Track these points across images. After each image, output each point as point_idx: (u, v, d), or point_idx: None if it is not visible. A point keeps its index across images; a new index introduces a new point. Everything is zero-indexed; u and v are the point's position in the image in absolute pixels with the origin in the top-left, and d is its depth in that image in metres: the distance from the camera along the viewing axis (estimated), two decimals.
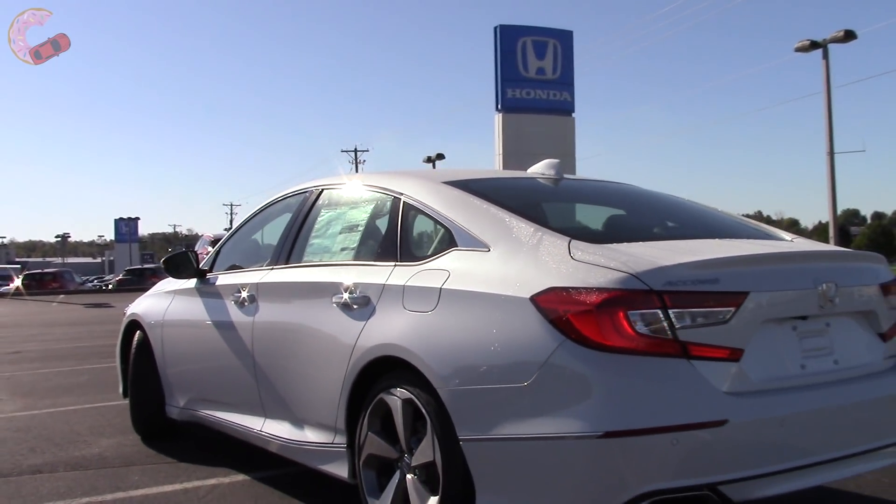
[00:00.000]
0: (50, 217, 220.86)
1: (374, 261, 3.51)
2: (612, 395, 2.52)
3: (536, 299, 2.67)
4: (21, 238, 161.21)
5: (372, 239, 3.71)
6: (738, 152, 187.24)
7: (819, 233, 31.02)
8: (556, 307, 2.63)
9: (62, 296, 30.06)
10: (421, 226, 3.50)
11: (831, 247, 3.55)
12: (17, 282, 34.95)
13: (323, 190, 4.22)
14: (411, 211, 3.49)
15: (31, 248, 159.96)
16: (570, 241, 2.84)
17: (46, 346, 11.64)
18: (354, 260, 3.67)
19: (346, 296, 3.42)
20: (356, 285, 3.41)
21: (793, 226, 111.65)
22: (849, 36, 27.05)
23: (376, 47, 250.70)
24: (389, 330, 3.15)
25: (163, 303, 5.12)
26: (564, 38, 30.40)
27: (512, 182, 3.95)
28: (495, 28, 29.53)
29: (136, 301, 5.70)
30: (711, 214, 3.76)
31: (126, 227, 76.31)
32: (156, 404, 5.08)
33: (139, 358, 5.21)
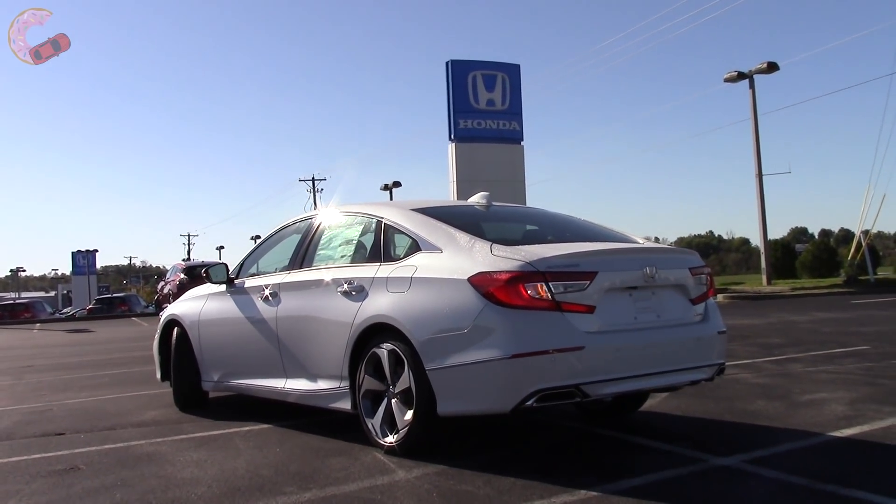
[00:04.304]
0: (0, 252, 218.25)
1: (366, 262, 5.23)
2: (515, 333, 4.24)
3: (471, 280, 4.40)
4: None
5: (363, 248, 5.44)
6: (686, 175, 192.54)
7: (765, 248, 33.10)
8: (482, 284, 4.36)
9: (39, 324, 31.22)
10: (396, 238, 5.21)
11: (657, 244, 5.35)
12: None
13: (324, 216, 5.96)
14: (390, 229, 5.23)
15: None
16: (491, 245, 4.59)
17: (54, 361, 13.07)
18: (351, 263, 5.39)
19: (346, 286, 5.13)
20: (354, 279, 5.12)
21: (744, 244, 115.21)
22: (772, 67, 29.44)
23: (333, 79, 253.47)
24: (379, 306, 4.85)
25: (198, 304, 6.78)
26: (512, 71, 32.29)
27: (456, 208, 5.70)
28: (447, 63, 31.28)
29: (172, 305, 7.38)
30: (591, 227, 5.53)
31: (83, 259, 76.06)
32: (193, 381, 6.72)
33: (179, 347, 6.84)
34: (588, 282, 4.38)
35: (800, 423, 5.33)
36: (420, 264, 4.79)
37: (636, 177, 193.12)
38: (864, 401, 6.03)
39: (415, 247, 4.96)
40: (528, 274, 4.29)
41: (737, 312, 18.00)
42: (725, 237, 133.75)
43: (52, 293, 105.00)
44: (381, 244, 5.23)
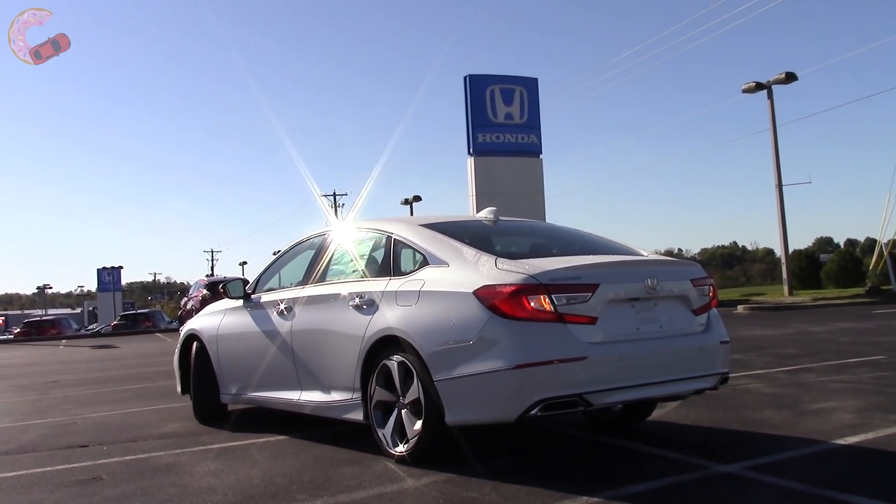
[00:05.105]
0: (27, 269, 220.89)
1: (376, 276, 5.38)
2: (519, 344, 4.36)
3: (476, 293, 4.54)
4: None
5: (374, 263, 5.60)
6: (708, 186, 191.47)
7: (791, 259, 32.83)
8: (487, 296, 4.49)
9: (65, 340, 31.68)
10: (405, 253, 5.36)
11: (660, 257, 5.46)
12: None
13: (336, 232, 6.13)
14: (399, 244, 5.38)
15: (8, 300, 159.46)
16: (496, 258, 4.73)
17: (79, 377, 13.31)
18: (363, 277, 5.54)
19: (358, 300, 5.28)
20: (365, 293, 5.27)
21: (768, 254, 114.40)
22: (790, 77, 29.41)
23: (353, 94, 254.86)
24: (389, 319, 4.99)
25: (216, 319, 6.97)
26: (530, 85, 32.51)
27: (463, 223, 5.82)
28: (465, 77, 31.55)
29: (191, 320, 7.56)
30: (596, 240, 5.64)
31: (109, 276, 76.73)
32: (212, 394, 6.90)
33: (199, 361, 7.02)
34: (590, 294, 4.50)
35: (805, 431, 5.41)
36: (428, 278, 4.93)
37: (657, 188, 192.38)
38: (872, 409, 6.08)
39: (423, 261, 5.10)
40: (532, 287, 4.42)
41: (756, 323, 17.98)
42: (750, 248, 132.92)
43: (79, 310, 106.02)
44: (390, 259, 5.38)
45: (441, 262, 4.96)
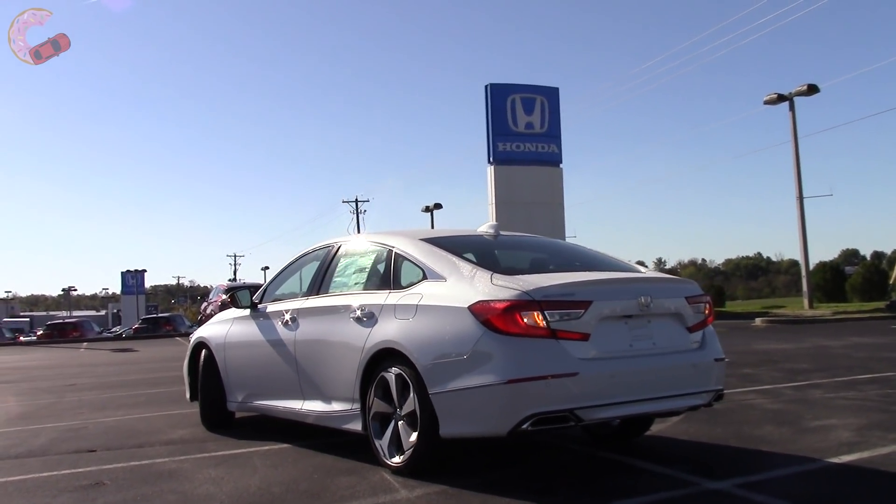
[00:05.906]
0: (53, 271, 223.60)
1: (376, 290, 5.47)
2: (512, 359, 4.43)
3: (471, 308, 4.61)
4: (23, 293, 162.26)
5: (374, 276, 5.69)
6: (732, 197, 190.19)
7: (815, 272, 32.84)
8: (482, 312, 4.57)
9: (86, 343, 32.09)
10: (405, 267, 5.44)
11: (656, 274, 5.52)
12: None
13: (341, 244, 6.24)
14: (399, 258, 5.47)
15: (34, 302, 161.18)
16: (492, 274, 4.80)
17: (97, 380, 13.52)
18: (364, 290, 5.63)
19: (358, 313, 5.37)
20: (365, 305, 5.36)
21: (793, 266, 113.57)
22: (812, 89, 29.23)
23: (377, 102, 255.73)
24: (387, 332, 5.08)
25: (224, 327, 7.09)
26: (551, 95, 32.57)
27: (463, 238, 5.90)
28: (486, 86, 31.67)
29: (201, 328, 7.70)
30: (595, 256, 5.70)
31: (132, 279, 77.68)
32: (219, 402, 7.01)
33: (207, 369, 7.14)
34: (583, 310, 4.56)
35: (801, 448, 5.42)
36: (425, 292, 5.01)
37: (679, 198, 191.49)
38: (873, 427, 6.08)
39: (421, 275, 5.19)
40: (525, 303, 4.49)
41: (772, 337, 17.91)
42: (774, 259, 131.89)
43: (103, 312, 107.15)
44: (391, 272, 5.47)
45: (439, 277, 5.05)
